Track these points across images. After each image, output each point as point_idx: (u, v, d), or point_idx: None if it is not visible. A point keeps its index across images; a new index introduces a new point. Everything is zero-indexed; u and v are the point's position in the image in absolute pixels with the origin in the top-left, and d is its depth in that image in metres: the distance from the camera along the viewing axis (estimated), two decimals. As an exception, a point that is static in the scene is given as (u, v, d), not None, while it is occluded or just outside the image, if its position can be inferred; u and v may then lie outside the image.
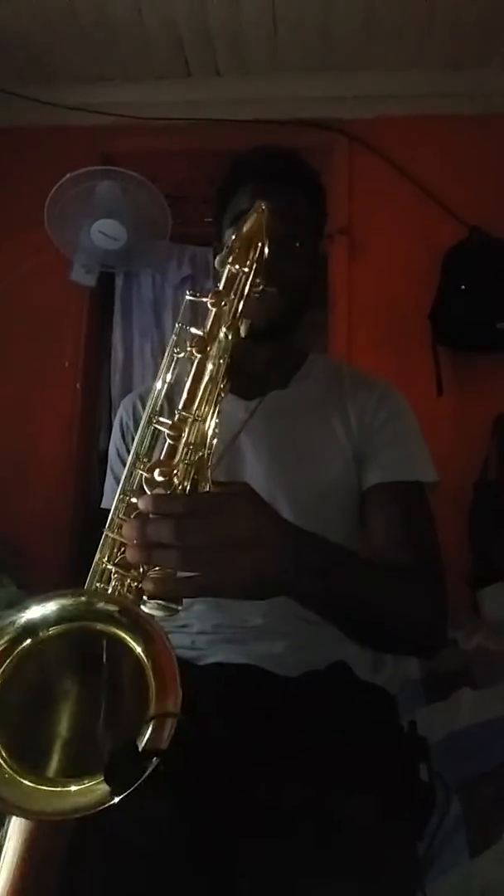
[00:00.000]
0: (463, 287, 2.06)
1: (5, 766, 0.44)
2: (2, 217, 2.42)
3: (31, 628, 0.48)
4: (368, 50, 2.16)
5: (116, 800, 0.42)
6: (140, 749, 0.43)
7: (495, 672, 1.21)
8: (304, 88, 2.30)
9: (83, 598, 0.50)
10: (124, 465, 0.96)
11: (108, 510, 0.96)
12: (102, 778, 0.43)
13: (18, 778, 0.44)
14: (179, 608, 0.54)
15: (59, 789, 0.45)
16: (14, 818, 0.50)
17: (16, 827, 0.50)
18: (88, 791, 0.44)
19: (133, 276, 2.46)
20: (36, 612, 0.48)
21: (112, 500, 0.96)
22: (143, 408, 0.97)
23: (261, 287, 0.70)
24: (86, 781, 0.44)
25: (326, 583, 0.61)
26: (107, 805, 0.42)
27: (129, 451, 0.96)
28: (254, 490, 0.56)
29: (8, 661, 0.47)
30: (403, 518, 0.85)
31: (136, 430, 0.96)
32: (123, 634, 0.48)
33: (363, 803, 0.63)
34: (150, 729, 0.44)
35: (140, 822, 0.56)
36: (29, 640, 0.48)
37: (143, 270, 2.43)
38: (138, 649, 0.47)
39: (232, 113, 2.30)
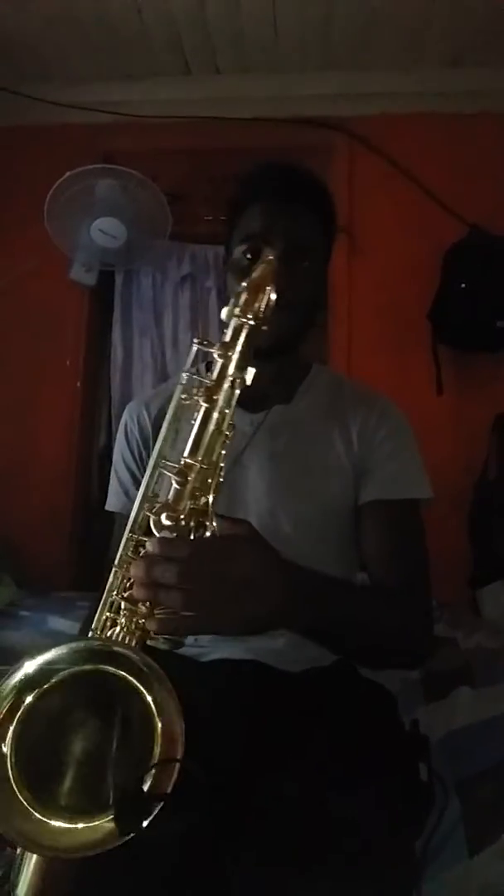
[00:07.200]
0: (463, 286, 2.06)
1: (24, 802, 0.47)
2: (2, 215, 2.43)
3: (46, 672, 0.49)
4: (368, 49, 2.16)
5: (121, 841, 0.45)
6: (146, 793, 0.46)
7: (494, 671, 1.21)
8: (304, 86, 2.30)
9: (96, 644, 0.53)
10: (129, 470, 0.99)
11: (112, 512, 0.98)
12: (108, 817, 0.46)
13: (33, 812, 0.47)
14: (184, 641, 0.57)
15: (67, 826, 0.47)
16: None
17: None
18: (95, 830, 0.47)
19: (133, 274, 2.46)
20: (51, 655, 0.50)
21: (116, 502, 0.99)
22: (149, 416, 0.98)
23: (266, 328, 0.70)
24: (92, 819, 0.47)
25: (323, 615, 0.66)
26: (112, 845, 0.45)
27: (133, 457, 0.99)
28: (255, 530, 0.60)
29: (25, 703, 0.49)
30: (395, 536, 0.89)
31: (140, 436, 0.98)
32: (133, 680, 0.50)
33: (362, 802, 0.64)
34: (155, 774, 0.47)
35: None
36: (44, 684, 0.49)
37: (142, 269, 2.43)
38: (147, 695, 0.49)
39: (232, 111, 2.30)
